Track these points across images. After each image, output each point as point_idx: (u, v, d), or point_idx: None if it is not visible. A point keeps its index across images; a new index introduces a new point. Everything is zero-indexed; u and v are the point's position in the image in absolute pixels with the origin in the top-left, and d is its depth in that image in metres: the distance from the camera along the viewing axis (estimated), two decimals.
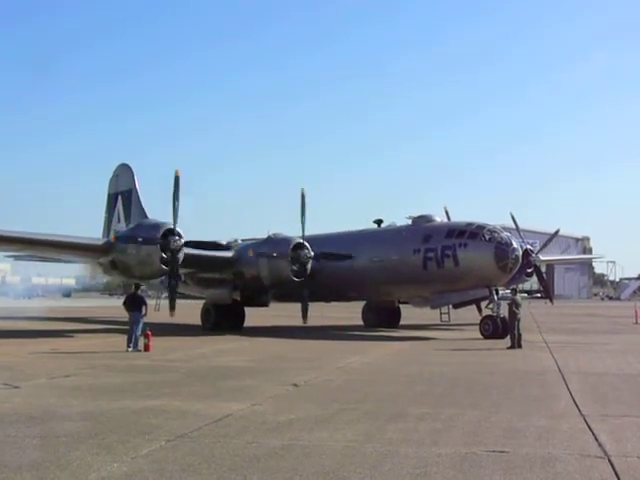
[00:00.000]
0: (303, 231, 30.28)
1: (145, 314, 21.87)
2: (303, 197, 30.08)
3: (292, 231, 31.07)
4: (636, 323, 38.52)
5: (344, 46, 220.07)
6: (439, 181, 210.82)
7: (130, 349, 20.92)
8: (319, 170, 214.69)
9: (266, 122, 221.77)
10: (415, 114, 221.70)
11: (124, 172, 43.46)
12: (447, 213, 32.96)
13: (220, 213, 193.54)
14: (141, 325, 21.57)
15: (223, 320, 31.61)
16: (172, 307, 27.56)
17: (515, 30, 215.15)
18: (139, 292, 22.68)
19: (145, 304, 22.13)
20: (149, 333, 21.22)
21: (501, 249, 26.82)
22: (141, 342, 21.19)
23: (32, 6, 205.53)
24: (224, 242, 35.50)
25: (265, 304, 34.05)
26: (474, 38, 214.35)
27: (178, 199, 27.03)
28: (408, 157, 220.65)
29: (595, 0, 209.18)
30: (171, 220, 27.04)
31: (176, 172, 27.10)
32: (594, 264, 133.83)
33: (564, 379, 14.79)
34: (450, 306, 30.15)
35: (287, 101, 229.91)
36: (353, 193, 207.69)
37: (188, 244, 27.92)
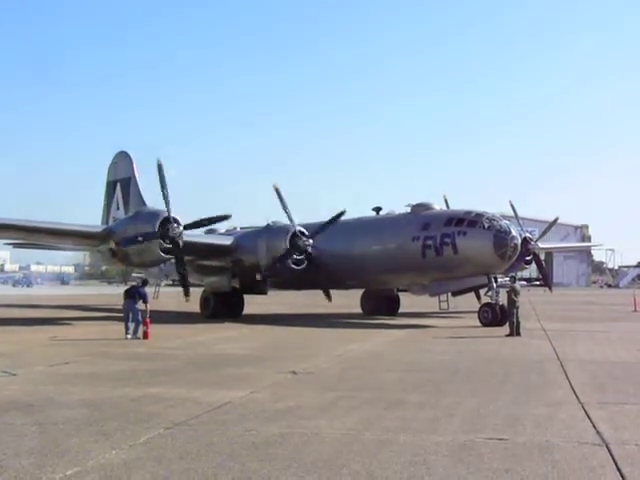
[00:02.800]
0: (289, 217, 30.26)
1: (146, 310, 21.67)
2: (278, 191, 29.92)
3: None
4: (635, 311, 38.56)
5: (349, 40, 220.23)
6: (438, 169, 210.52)
7: (129, 336, 20.93)
8: (320, 159, 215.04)
9: (268, 111, 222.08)
10: (414, 99, 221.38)
11: (123, 160, 43.38)
12: (446, 201, 32.94)
13: (219, 200, 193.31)
14: (139, 313, 21.54)
15: (222, 308, 31.66)
16: (186, 293, 28.19)
17: (516, 12, 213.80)
18: (140, 289, 22.54)
19: (145, 300, 21.96)
20: (148, 321, 21.22)
21: (500, 237, 26.80)
22: (140, 330, 21.20)
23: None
24: (223, 230, 35.56)
25: (264, 292, 34.07)
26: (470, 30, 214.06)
27: (165, 187, 27.14)
28: (406, 145, 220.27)
29: None
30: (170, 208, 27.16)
31: (158, 161, 27.33)
32: (593, 252, 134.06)
33: (562, 367, 14.79)
34: (449, 294, 30.16)
35: (288, 96, 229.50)
36: (354, 181, 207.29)
37: (187, 227, 27.88)
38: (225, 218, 28.31)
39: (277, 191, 29.71)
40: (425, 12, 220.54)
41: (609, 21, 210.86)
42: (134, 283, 23.32)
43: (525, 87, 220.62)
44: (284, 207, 29.89)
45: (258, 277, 31.48)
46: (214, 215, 28.24)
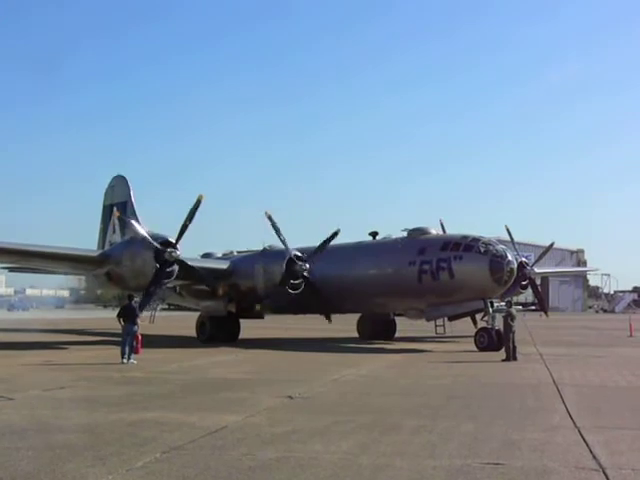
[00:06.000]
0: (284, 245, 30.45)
1: (137, 325, 21.84)
2: (271, 219, 29.96)
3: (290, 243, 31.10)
4: (630, 336, 38.55)
5: (336, 48, 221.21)
6: (433, 192, 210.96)
7: (125, 361, 20.87)
8: (315, 180, 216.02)
9: (261, 128, 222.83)
10: (406, 119, 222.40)
11: (120, 183, 43.46)
12: (442, 226, 33.04)
13: (215, 224, 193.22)
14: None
15: (218, 332, 31.61)
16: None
17: (499, 34, 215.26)
18: (133, 303, 22.61)
19: (138, 315, 22.09)
20: (139, 336, 21.68)
21: (496, 262, 26.86)
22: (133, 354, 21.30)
23: (31, 7, 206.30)
24: (220, 254, 35.59)
25: (260, 316, 34.05)
26: (455, 45, 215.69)
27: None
28: (402, 169, 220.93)
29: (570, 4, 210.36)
30: (168, 233, 27.32)
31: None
32: (589, 277, 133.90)
33: (559, 391, 14.81)
34: (445, 318, 30.15)
35: (285, 103, 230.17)
36: (349, 203, 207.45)
37: (177, 240, 27.89)
38: (198, 203, 27.90)
39: (270, 218, 29.83)
40: (419, 36, 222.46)
41: (593, 44, 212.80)
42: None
43: (522, 109, 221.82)
44: (278, 234, 30.01)
45: (258, 307, 31.59)
46: (191, 208, 27.94)
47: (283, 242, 30.05)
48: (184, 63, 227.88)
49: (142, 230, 28.00)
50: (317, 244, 31.50)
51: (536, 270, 36.80)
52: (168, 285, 29.70)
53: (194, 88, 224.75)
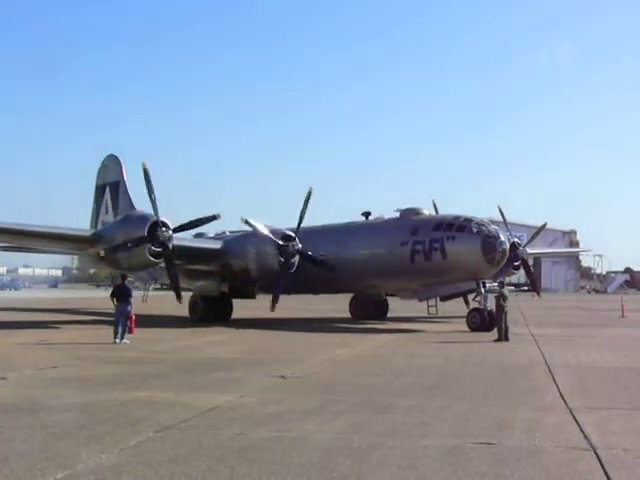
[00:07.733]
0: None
1: (130, 305, 21.82)
2: (248, 222, 29.59)
3: (280, 223, 31.14)
4: (622, 316, 38.70)
5: (344, 51, 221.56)
6: (426, 175, 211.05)
7: (118, 341, 20.87)
8: (313, 162, 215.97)
9: (261, 116, 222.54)
10: (402, 101, 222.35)
11: (112, 163, 43.36)
12: (435, 206, 33.04)
13: (209, 203, 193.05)
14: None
15: (211, 312, 31.64)
16: (178, 295, 28.24)
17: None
18: (126, 283, 22.59)
19: (131, 295, 22.07)
20: (132, 316, 21.64)
21: (488, 242, 26.89)
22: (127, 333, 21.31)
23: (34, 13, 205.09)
24: (212, 234, 35.54)
25: (253, 296, 34.08)
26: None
27: (153, 191, 27.06)
28: (394, 149, 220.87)
29: None
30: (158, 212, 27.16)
31: (143, 165, 27.24)
32: (581, 257, 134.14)
33: (551, 372, 14.85)
34: (437, 298, 30.21)
35: (282, 88, 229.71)
36: (345, 185, 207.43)
37: (176, 230, 27.83)
38: (214, 218, 28.23)
39: (247, 222, 29.45)
40: (412, 22, 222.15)
41: (583, 29, 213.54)
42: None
43: (513, 91, 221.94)
44: (261, 232, 29.80)
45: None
46: (203, 216, 28.18)
47: (268, 235, 29.76)
48: (183, 40, 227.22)
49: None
50: (315, 225, 31.52)
51: (528, 251, 36.84)
52: (161, 265, 29.65)
53: (191, 65, 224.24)
